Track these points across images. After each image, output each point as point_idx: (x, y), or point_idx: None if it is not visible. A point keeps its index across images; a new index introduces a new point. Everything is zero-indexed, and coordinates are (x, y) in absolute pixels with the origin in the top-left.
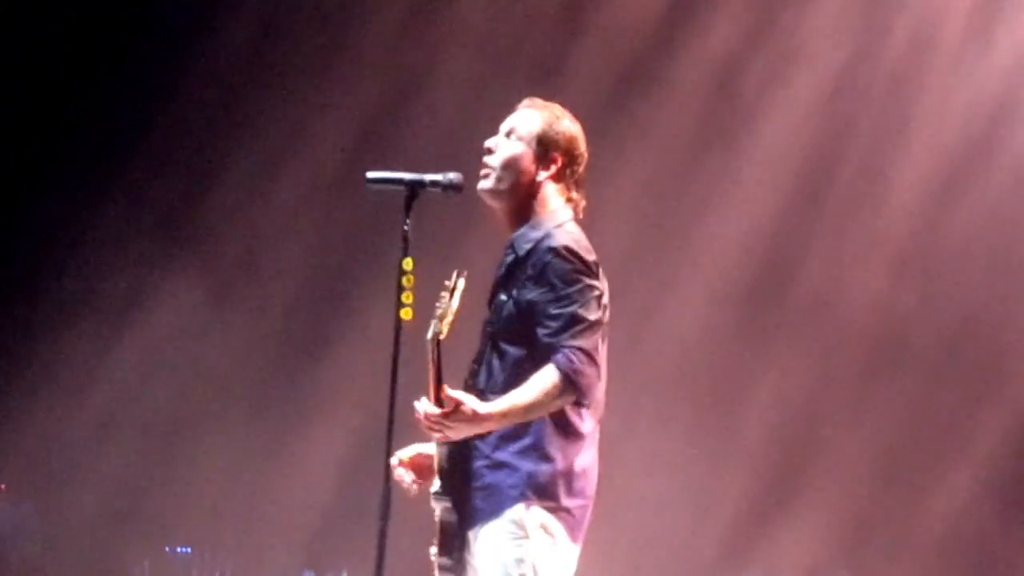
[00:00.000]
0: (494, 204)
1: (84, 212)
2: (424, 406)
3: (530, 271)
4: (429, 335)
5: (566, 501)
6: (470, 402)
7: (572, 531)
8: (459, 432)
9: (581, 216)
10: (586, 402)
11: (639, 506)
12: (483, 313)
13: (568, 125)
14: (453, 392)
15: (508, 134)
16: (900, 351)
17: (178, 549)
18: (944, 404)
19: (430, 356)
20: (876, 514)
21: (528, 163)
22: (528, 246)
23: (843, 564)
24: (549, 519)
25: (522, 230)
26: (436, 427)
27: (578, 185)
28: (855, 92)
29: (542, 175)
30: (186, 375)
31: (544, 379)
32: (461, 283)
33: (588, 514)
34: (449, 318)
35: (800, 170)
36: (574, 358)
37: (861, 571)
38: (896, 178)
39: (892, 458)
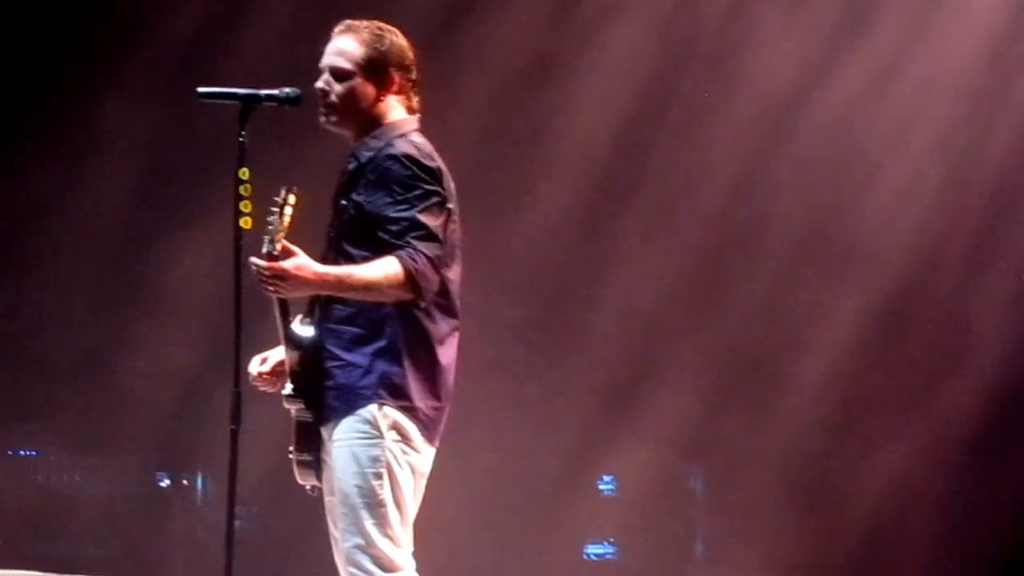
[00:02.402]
0: (340, 132)
1: None
2: (257, 260)
3: (370, 176)
4: (264, 252)
5: (420, 402)
6: (306, 260)
7: (427, 432)
8: (293, 287)
9: (419, 114)
10: (422, 304)
11: (486, 413)
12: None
13: (391, 39)
14: (293, 247)
15: (335, 70)
16: (750, 249)
17: (23, 452)
18: (792, 304)
19: None
20: (727, 415)
21: (365, 90)
22: (370, 154)
23: (695, 465)
24: (402, 419)
25: (365, 139)
26: (271, 281)
27: (414, 87)
28: (694, 18)
29: (382, 95)
30: (26, 274)
31: (388, 265)
32: (292, 198)
33: (444, 416)
34: (282, 234)
35: (647, 76)
36: (417, 257)
37: (712, 473)
38: (744, 82)
39: (741, 358)
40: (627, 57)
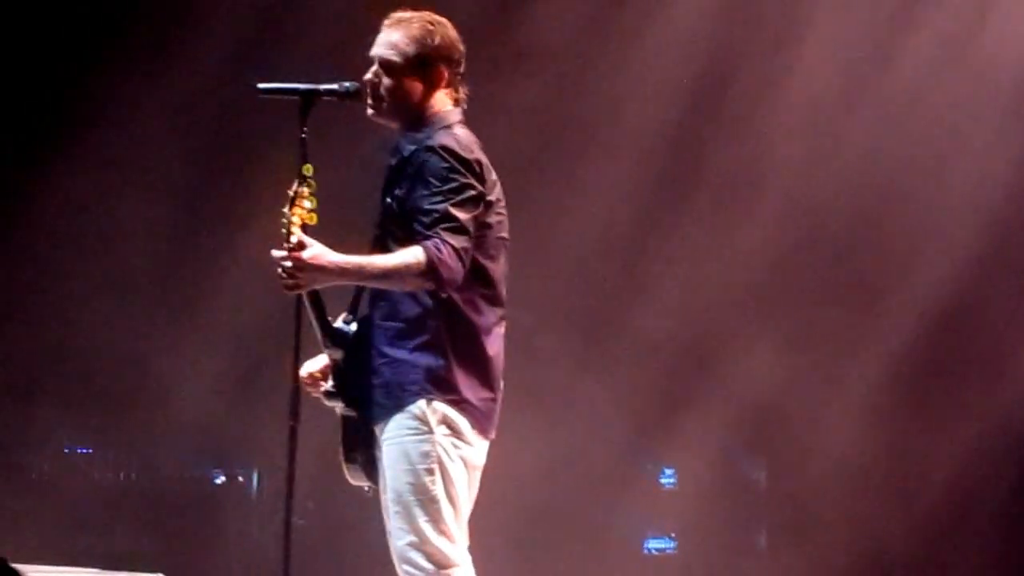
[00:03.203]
0: (386, 123)
1: None
2: (277, 252)
3: (410, 171)
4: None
5: (469, 394)
6: (322, 249)
7: (480, 424)
8: (310, 279)
9: (465, 106)
10: (443, 293)
11: (546, 406)
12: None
13: (442, 32)
14: (306, 238)
15: (384, 63)
16: (810, 240)
17: (79, 449)
18: (854, 296)
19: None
20: (788, 401)
21: (413, 84)
22: (412, 147)
23: (758, 456)
24: (452, 413)
25: (408, 133)
26: (287, 274)
27: (462, 80)
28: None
29: (430, 89)
30: (83, 274)
31: (409, 254)
32: (305, 190)
33: (497, 407)
34: (296, 225)
35: (702, 64)
36: (442, 248)
37: (775, 464)
38: (802, 67)
39: (802, 344)
40: (682, 44)
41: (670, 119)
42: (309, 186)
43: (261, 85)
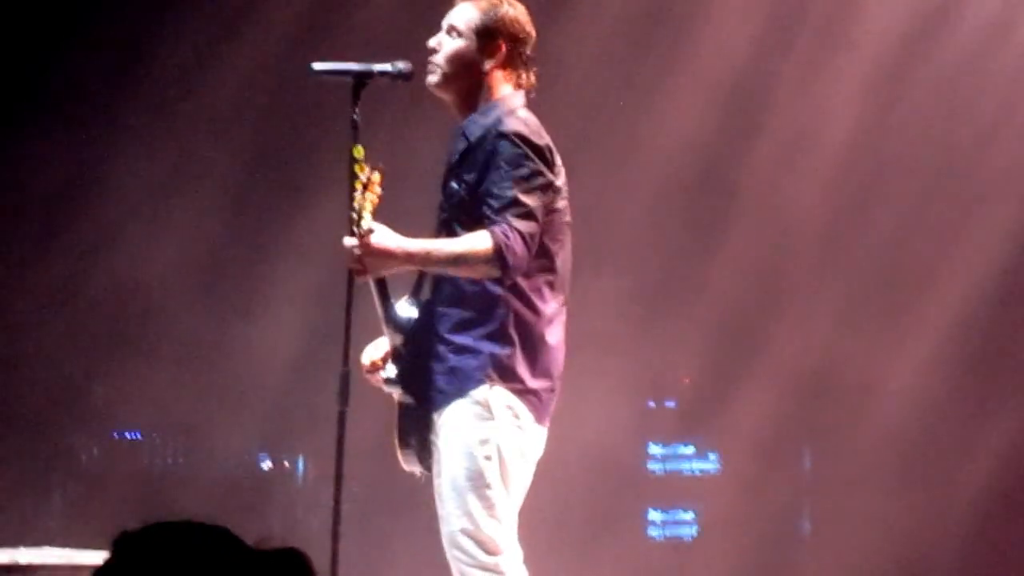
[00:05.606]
0: (443, 96)
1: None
2: (349, 240)
3: (481, 156)
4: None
5: (531, 383)
6: (388, 234)
7: (538, 413)
8: (377, 264)
9: (532, 95)
10: (507, 280)
11: (595, 386)
12: (436, 200)
13: (507, 10)
14: (373, 224)
15: (449, 31)
16: (864, 211)
17: (127, 434)
18: (909, 260)
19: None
20: (837, 374)
21: (473, 55)
22: (479, 132)
23: (803, 441)
24: (515, 401)
25: (473, 116)
26: (354, 260)
27: (526, 65)
28: None
29: (488, 64)
30: (134, 260)
31: (477, 240)
32: (376, 176)
33: (555, 396)
34: (367, 215)
35: (762, 27)
36: (510, 234)
37: (821, 449)
38: (858, 36)
39: (850, 325)
40: (740, 9)
41: (727, 78)
42: (361, 169)
43: (315, 65)
